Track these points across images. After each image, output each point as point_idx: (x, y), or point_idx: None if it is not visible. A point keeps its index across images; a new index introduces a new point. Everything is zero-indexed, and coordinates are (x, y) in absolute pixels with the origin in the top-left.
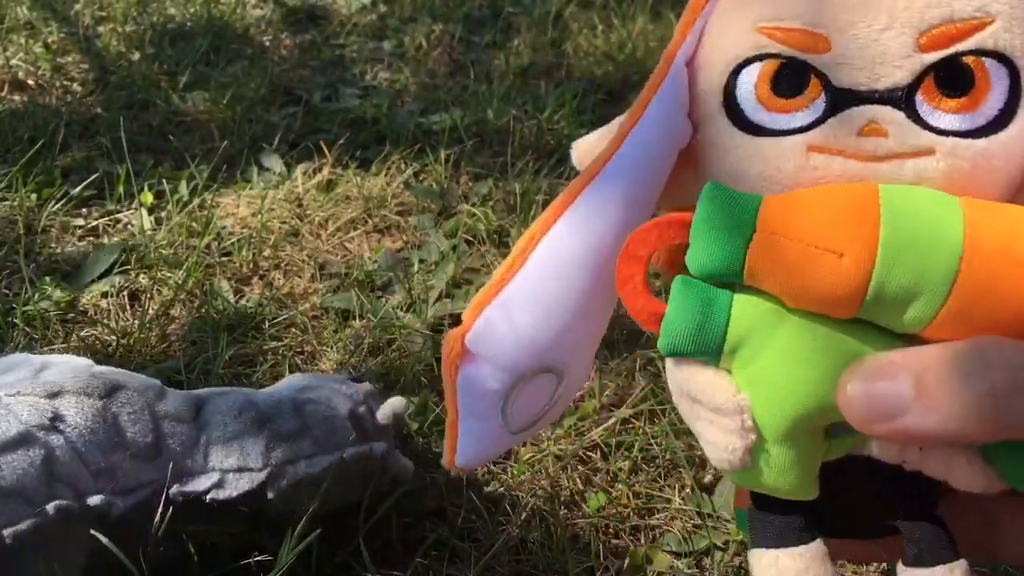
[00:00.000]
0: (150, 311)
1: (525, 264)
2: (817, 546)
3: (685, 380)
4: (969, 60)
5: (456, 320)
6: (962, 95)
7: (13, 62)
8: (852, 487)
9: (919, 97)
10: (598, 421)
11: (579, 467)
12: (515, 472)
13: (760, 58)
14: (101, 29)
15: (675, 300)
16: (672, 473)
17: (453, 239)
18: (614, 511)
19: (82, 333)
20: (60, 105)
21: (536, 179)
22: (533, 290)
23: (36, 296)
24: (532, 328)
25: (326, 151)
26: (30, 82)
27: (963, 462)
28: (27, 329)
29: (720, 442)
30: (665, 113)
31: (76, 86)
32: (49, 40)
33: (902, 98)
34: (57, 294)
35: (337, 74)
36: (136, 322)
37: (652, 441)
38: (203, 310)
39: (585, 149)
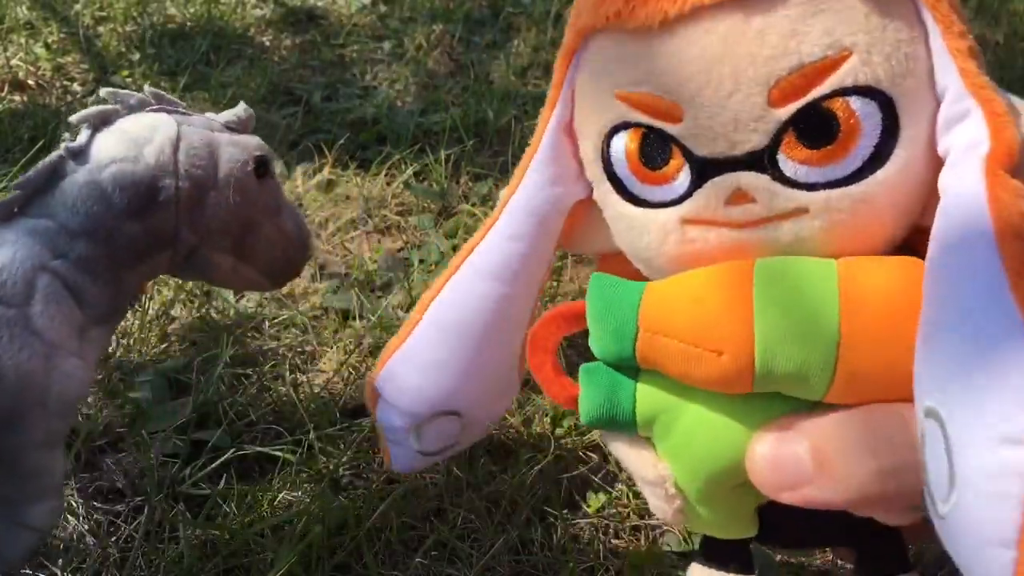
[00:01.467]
0: (150, 311)
1: (419, 323)
2: None
3: (614, 450)
4: (831, 104)
5: None
6: (830, 142)
7: (13, 62)
8: (804, 514)
9: (781, 156)
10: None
11: (579, 467)
12: (515, 472)
13: (625, 126)
14: (101, 29)
15: (584, 387)
16: None
17: (453, 239)
18: (614, 511)
19: None
20: (60, 105)
21: None
22: (422, 351)
23: None
24: (423, 380)
25: (326, 151)
26: (30, 82)
27: (880, 514)
28: None
29: (654, 505)
30: (537, 193)
31: (76, 86)
32: (49, 40)
33: (764, 161)
34: None
35: (337, 74)
36: (136, 322)
37: None
38: (203, 310)
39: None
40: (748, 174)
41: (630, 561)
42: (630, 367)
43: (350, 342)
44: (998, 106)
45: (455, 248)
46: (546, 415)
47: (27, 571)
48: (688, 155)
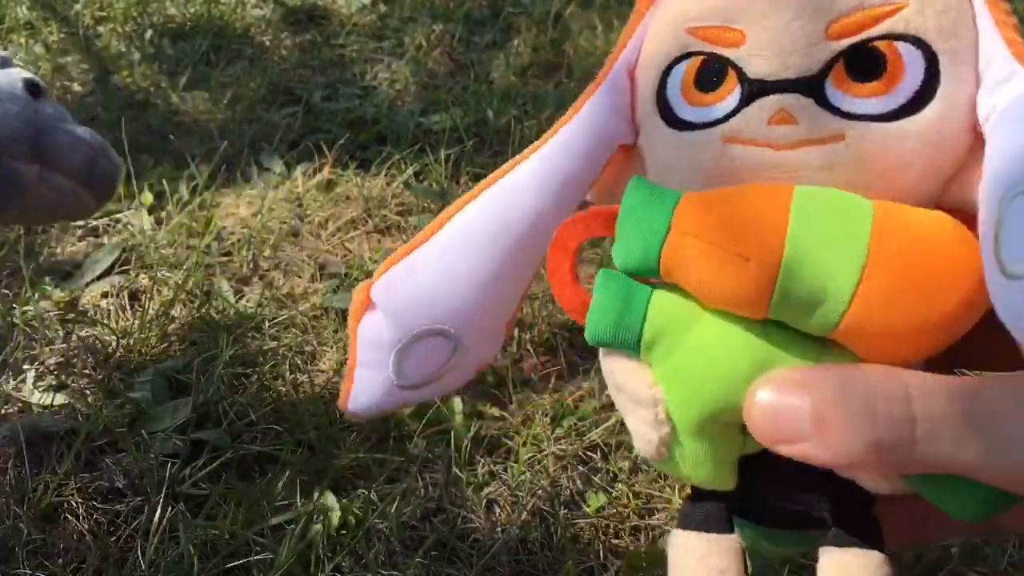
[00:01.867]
0: (150, 311)
1: (439, 231)
2: (730, 539)
3: (611, 370)
4: (881, 45)
5: None
6: (875, 80)
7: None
8: (783, 479)
9: (829, 83)
10: (598, 421)
11: (579, 467)
12: (515, 472)
13: (686, 56)
14: (101, 29)
15: (598, 292)
16: None
17: None
18: (614, 511)
19: (82, 333)
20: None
21: None
22: (439, 256)
23: (36, 296)
24: (430, 289)
25: (326, 151)
26: None
27: (867, 478)
28: (27, 329)
29: (639, 432)
30: (596, 116)
31: (76, 86)
32: (49, 40)
33: (812, 85)
34: (57, 294)
35: (337, 74)
36: (136, 322)
37: None
38: (203, 310)
39: None
40: (794, 96)
41: (630, 561)
42: (648, 281)
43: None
44: None
45: None
46: (546, 415)
47: (27, 571)
48: (742, 77)
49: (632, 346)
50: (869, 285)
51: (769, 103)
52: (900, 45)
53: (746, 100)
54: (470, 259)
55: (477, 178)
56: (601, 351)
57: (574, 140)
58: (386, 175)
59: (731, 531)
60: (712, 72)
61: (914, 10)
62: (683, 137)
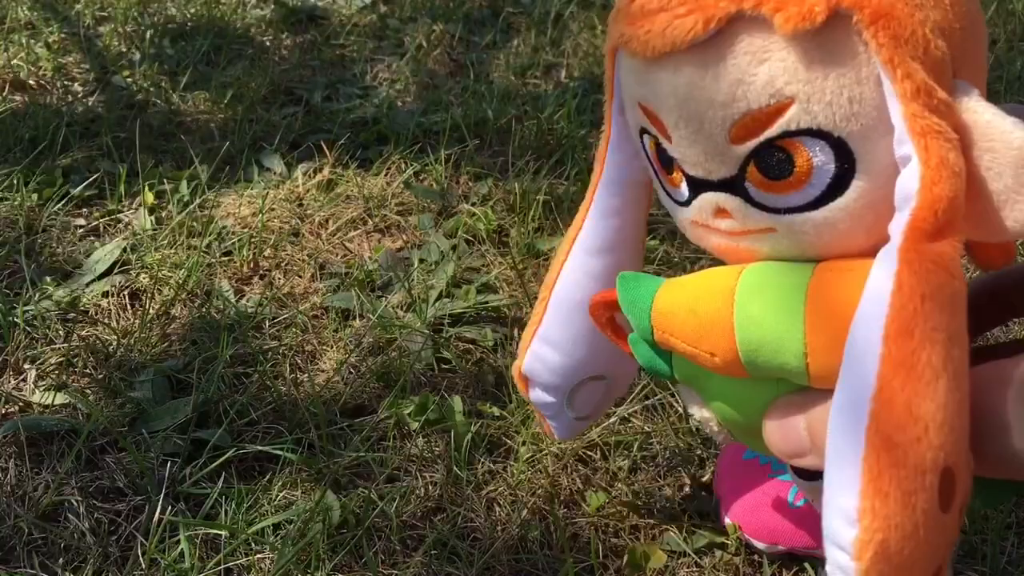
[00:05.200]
0: (151, 311)
1: (547, 309)
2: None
3: (677, 388)
4: (784, 143)
5: (456, 319)
6: (787, 176)
7: (14, 62)
8: None
9: (748, 184)
10: (598, 421)
11: (579, 466)
12: (515, 472)
13: (646, 131)
14: (102, 29)
15: (633, 350)
16: (672, 472)
17: (453, 239)
18: (614, 510)
19: (83, 332)
20: (61, 105)
21: (536, 179)
22: (553, 332)
23: (37, 295)
24: (560, 359)
25: (326, 151)
26: (31, 82)
27: None
28: (28, 328)
29: (707, 429)
30: (620, 162)
31: (77, 86)
32: (50, 40)
33: (735, 186)
34: (58, 293)
35: (337, 74)
36: (137, 322)
37: (652, 440)
38: (204, 310)
39: None
40: (725, 195)
41: (630, 561)
42: None
43: (350, 342)
44: (937, 153)
45: (455, 248)
46: None
47: (28, 571)
48: (683, 170)
49: (674, 382)
50: (815, 361)
51: (708, 200)
52: (800, 140)
53: (693, 191)
54: (579, 326)
55: (477, 178)
56: None
57: (610, 200)
58: (386, 175)
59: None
60: (665, 158)
61: (800, 108)
62: (672, 206)
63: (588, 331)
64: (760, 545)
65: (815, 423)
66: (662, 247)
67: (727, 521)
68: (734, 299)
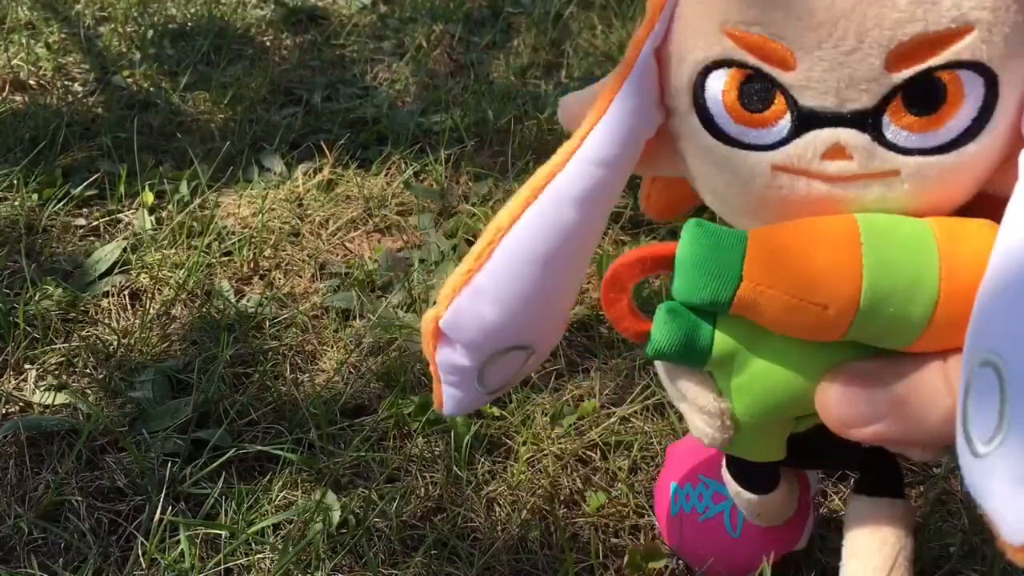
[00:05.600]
0: (151, 311)
1: (491, 256)
2: (775, 493)
3: (672, 376)
4: (942, 75)
5: None
6: (932, 112)
7: (14, 62)
8: (823, 433)
9: (886, 119)
10: (598, 421)
11: (579, 467)
12: (515, 472)
13: (727, 63)
14: (102, 29)
15: (661, 324)
16: None
17: (453, 239)
18: (614, 510)
19: (83, 332)
20: (61, 105)
21: None
22: (496, 284)
23: (37, 295)
24: (496, 318)
25: (326, 151)
26: (31, 82)
27: (917, 451)
28: (28, 328)
29: (702, 431)
30: (630, 110)
31: (77, 86)
32: (50, 40)
33: (868, 121)
34: (58, 293)
35: (337, 74)
36: (137, 322)
37: (652, 440)
38: (204, 310)
39: (571, 112)
40: (850, 131)
41: (630, 560)
42: (710, 312)
43: (350, 342)
44: None
45: (455, 248)
46: (545, 414)
47: (28, 570)
48: (792, 104)
49: (698, 365)
50: (941, 315)
51: (823, 137)
52: (962, 74)
53: (797, 130)
54: (525, 282)
55: (477, 178)
56: (662, 366)
57: (608, 148)
58: (386, 175)
59: (776, 486)
60: (758, 91)
61: (980, 36)
62: (730, 154)
63: (536, 291)
64: None
65: (904, 389)
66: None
67: None
68: (860, 244)
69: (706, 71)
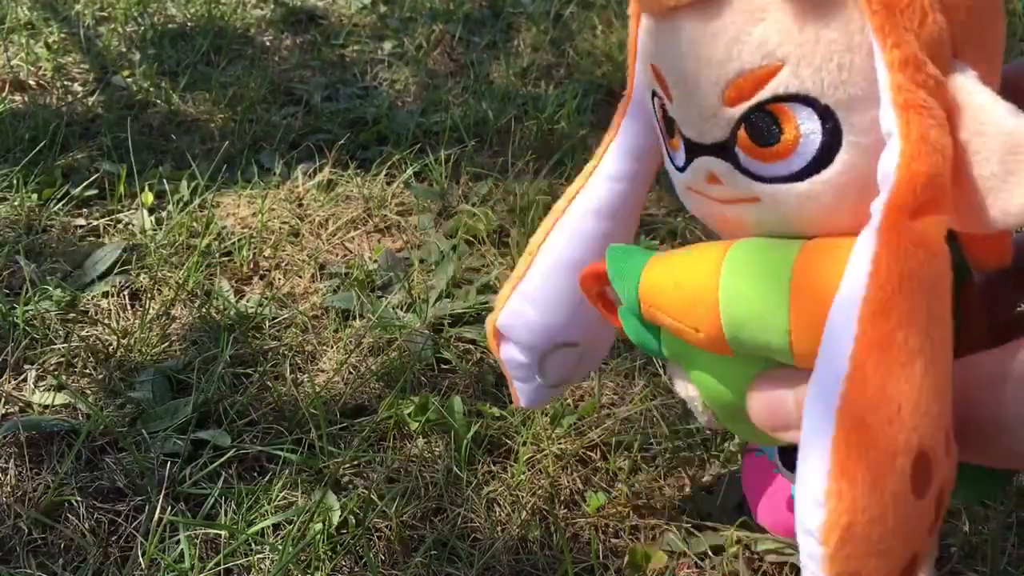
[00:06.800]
0: (151, 311)
1: (534, 263)
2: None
3: (666, 365)
4: (773, 108)
5: (456, 319)
6: (775, 142)
7: (14, 62)
8: None
9: (738, 150)
10: (598, 421)
11: (579, 467)
12: (515, 472)
13: (654, 93)
14: (102, 29)
15: (623, 323)
16: (672, 473)
17: (453, 239)
18: (614, 511)
19: (83, 333)
20: (61, 105)
21: (536, 179)
22: (535, 288)
23: (37, 296)
24: (538, 318)
25: (326, 151)
26: (31, 82)
27: None
28: (28, 329)
29: (694, 410)
30: (636, 130)
31: (77, 86)
32: (50, 40)
33: (726, 151)
34: (58, 294)
35: (337, 74)
36: (137, 322)
37: (651, 440)
38: (204, 310)
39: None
40: (716, 160)
41: (630, 561)
42: None
43: (350, 342)
44: (918, 128)
45: (455, 248)
46: (546, 415)
47: (28, 571)
48: (681, 133)
49: (663, 358)
50: (799, 340)
51: (702, 164)
52: (792, 106)
53: (689, 155)
54: (563, 286)
55: (477, 178)
56: None
57: (621, 164)
58: (386, 175)
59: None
60: (667, 120)
61: (789, 71)
62: (672, 172)
63: (571, 293)
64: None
65: (803, 398)
66: (663, 247)
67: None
68: (720, 274)
69: (652, 100)
